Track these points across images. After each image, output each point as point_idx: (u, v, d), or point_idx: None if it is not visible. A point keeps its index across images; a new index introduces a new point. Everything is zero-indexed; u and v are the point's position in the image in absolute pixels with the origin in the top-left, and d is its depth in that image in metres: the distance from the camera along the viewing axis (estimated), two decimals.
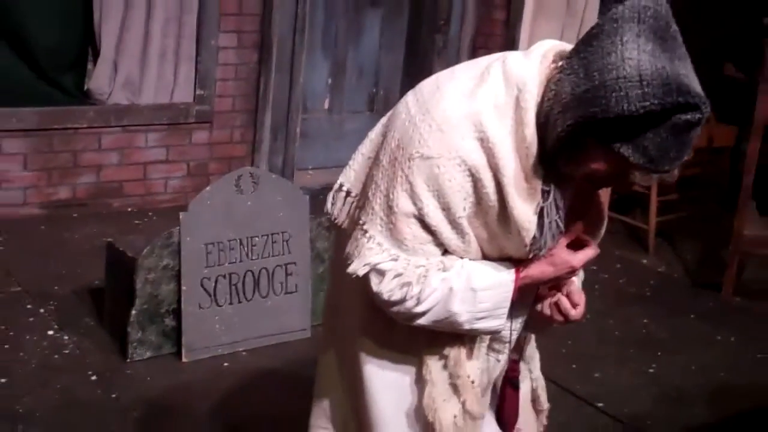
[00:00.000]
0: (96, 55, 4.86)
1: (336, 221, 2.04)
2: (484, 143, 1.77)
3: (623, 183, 1.77)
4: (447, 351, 1.97)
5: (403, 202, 1.82)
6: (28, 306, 3.78)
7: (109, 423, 3.06)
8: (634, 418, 3.46)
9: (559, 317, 1.95)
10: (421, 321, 1.88)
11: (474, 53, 5.83)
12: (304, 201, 3.69)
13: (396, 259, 1.85)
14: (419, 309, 1.86)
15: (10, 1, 4.58)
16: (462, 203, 1.81)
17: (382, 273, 1.85)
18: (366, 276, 1.86)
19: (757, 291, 5.06)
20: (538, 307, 1.98)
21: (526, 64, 1.80)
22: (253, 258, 3.55)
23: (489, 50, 5.90)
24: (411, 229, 1.84)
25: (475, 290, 1.86)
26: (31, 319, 3.68)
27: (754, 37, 6.82)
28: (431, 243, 1.85)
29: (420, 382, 1.99)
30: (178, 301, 3.40)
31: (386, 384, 2.02)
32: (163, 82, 4.99)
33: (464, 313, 1.87)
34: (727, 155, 6.63)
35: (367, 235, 1.86)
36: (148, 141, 5.01)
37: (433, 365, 1.97)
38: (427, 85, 1.91)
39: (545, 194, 1.80)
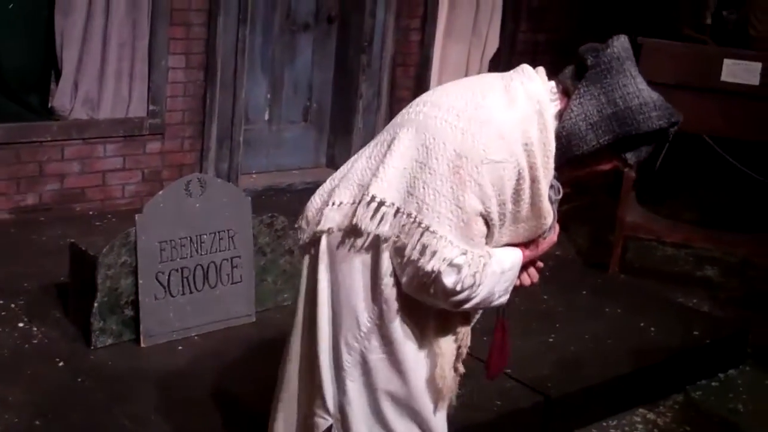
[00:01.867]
0: (58, 75, 4.71)
1: (379, 234, 1.94)
2: (528, 147, 1.90)
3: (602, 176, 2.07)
4: (459, 329, 2.07)
5: (474, 203, 1.87)
6: (0, 301, 3.65)
7: (76, 404, 2.97)
8: (537, 381, 3.49)
9: (528, 282, 2.09)
10: (470, 304, 1.95)
11: (394, 70, 5.82)
12: (247, 202, 3.63)
13: (465, 253, 1.88)
14: (478, 293, 1.92)
15: None
16: (511, 198, 1.92)
17: (457, 266, 1.87)
18: (434, 272, 1.87)
19: (638, 269, 5.16)
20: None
21: (538, 83, 1.97)
22: (202, 253, 3.48)
23: (407, 67, 5.91)
24: (478, 226, 1.90)
25: (504, 272, 1.96)
26: (3, 313, 3.56)
27: None
28: (486, 236, 1.93)
29: (431, 356, 2.03)
30: (136, 294, 3.32)
31: (415, 362, 2.03)
32: (120, 99, 4.87)
33: (497, 293, 1.97)
34: None
35: (437, 235, 1.87)
36: (107, 151, 4.88)
37: (444, 341, 2.04)
38: (458, 101, 1.95)
39: (553, 188, 2.00)
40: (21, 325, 3.47)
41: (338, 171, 2.11)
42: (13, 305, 3.63)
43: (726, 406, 3.84)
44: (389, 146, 1.98)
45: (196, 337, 3.47)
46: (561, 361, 3.68)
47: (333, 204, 2.02)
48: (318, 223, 2.05)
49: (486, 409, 3.23)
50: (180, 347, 3.40)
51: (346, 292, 2.01)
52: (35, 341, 3.36)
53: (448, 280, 1.88)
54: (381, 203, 1.92)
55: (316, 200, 2.11)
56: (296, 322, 2.17)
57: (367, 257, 1.97)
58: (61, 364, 3.20)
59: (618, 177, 4.98)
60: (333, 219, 2.00)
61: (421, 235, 1.88)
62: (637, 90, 1.88)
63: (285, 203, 5.25)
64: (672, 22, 6.48)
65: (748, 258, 5.38)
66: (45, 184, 4.72)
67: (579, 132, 1.91)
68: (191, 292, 3.47)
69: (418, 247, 1.88)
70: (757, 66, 4.60)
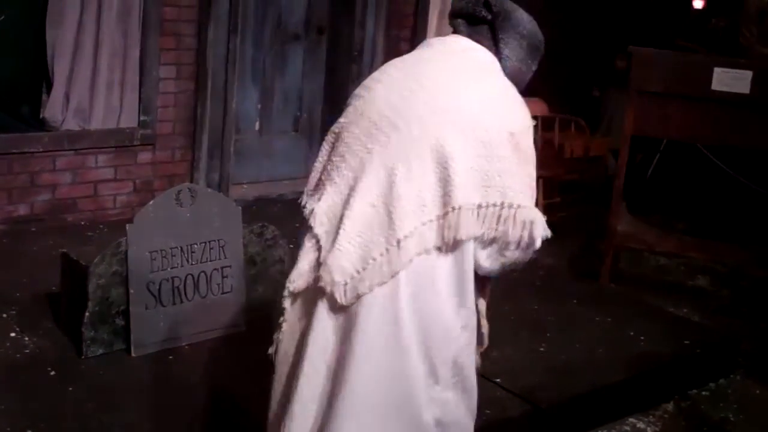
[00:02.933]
0: (49, 87, 4.75)
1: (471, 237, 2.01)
2: None
3: None
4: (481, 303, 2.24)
5: (534, 167, 2.12)
6: None
7: (67, 414, 3.01)
8: (526, 390, 3.51)
9: None
10: (528, 256, 2.10)
11: None
12: (237, 211, 3.67)
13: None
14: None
15: None
16: None
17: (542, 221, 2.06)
18: (536, 237, 2.05)
19: (628, 279, 5.20)
20: None
21: (481, 49, 2.17)
22: (193, 263, 3.52)
23: None
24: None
25: None
26: None
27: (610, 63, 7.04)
28: None
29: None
30: (127, 303, 3.35)
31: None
32: (111, 110, 4.91)
33: None
34: (602, 163, 6.81)
35: (527, 207, 2.03)
36: (98, 162, 4.92)
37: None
38: (467, 91, 2.09)
39: None
40: (13, 334, 3.50)
41: (348, 225, 2.00)
42: (4, 315, 3.66)
43: (717, 415, 3.88)
44: (436, 158, 1.98)
45: (186, 347, 3.51)
46: (551, 370, 3.71)
47: (406, 237, 1.96)
48: (404, 257, 1.96)
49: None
50: (170, 357, 3.44)
51: (435, 308, 2.01)
52: (27, 351, 3.39)
53: (541, 237, 2.05)
54: (476, 206, 1.99)
55: (354, 254, 1.99)
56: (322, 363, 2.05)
57: (451, 265, 2.01)
58: (52, 373, 3.24)
59: (608, 186, 5.04)
60: (425, 239, 1.97)
61: (516, 214, 2.01)
62: (526, 16, 2.21)
63: (275, 213, 5.29)
64: (663, 31, 6.56)
65: (740, 268, 5.42)
66: (37, 194, 4.75)
67: (520, 71, 2.21)
68: (182, 302, 3.50)
69: (519, 225, 2.01)
70: (748, 74, 4.64)
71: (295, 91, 5.95)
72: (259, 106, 5.79)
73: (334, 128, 2.18)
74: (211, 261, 3.57)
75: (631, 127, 4.87)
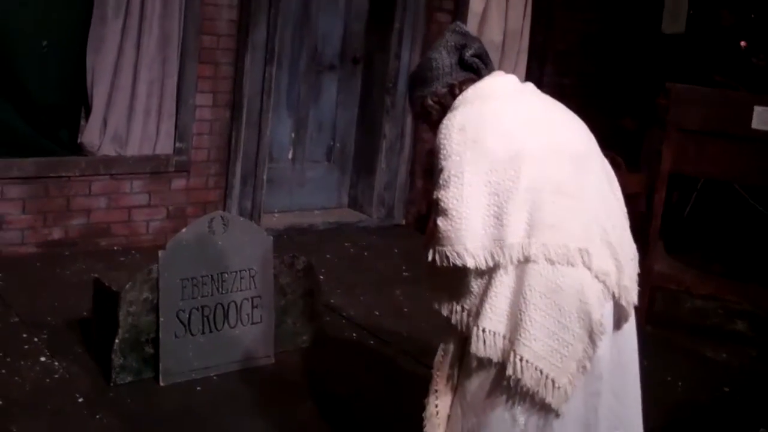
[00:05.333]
0: (88, 112, 4.85)
1: None
2: None
3: None
4: None
5: None
6: (24, 335, 3.74)
7: None
8: None
9: None
10: None
11: None
12: (269, 241, 3.70)
13: None
14: None
15: (15, 65, 4.59)
16: None
17: None
18: None
19: (666, 320, 5.11)
20: None
21: None
22: (223, 292, 3.55)
23: None
24: None
25: None
26: (26, 346, 3.64)
27: (650, 94, 6.99)
28: None
29: None
30: (157, 331, 3.38)
31: None
32: (147, 136, 5.00)
33: None
34: (638, 200, 6.74)
35: None
36: (133, 188, 5.00)
37: None
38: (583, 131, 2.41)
39: None
40: (43, 359, 3.55)
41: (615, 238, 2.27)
42: (36, 339, 3.71)
43: None
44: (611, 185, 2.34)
45: (214, 377, 3.53)
46: None
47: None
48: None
49: None
50: (198, 387, 3.45)
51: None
52: (56, 376, 3.43)
53: None
54: None
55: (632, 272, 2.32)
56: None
57: None
58: (80, 399, 3.27)
59: (645, 224, 5.00)
60: None
61: None
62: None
63: (306, 243, 5.33)
64: (702, 68, 6.53)
65: None
66: (71, 218, 4.83)
67: None
68: (211, 331, 3.53)
69: None
70: None
71: (329, 120, 6.00)
72: (293, 134, 5.85)
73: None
74: (241, 290, 3.59)
75: (668, 165, 4.83)
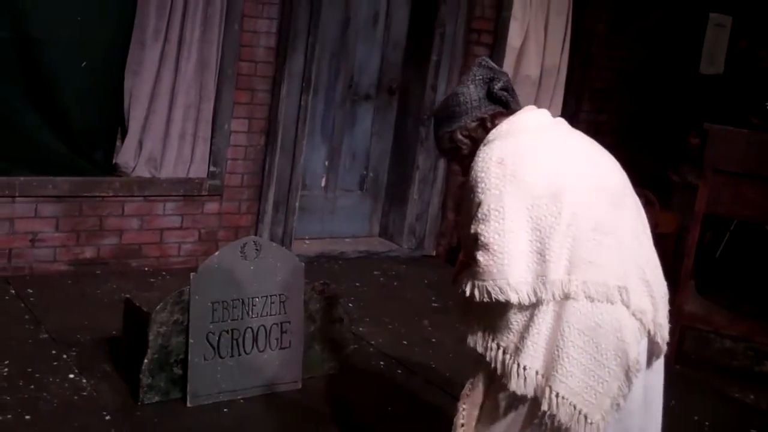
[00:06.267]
0: (124, 134, 4.92)
1: None
2: None
3: None
4: None
5: None
6: (53, 352, 3.78)
7: None
8: None
9: None
10: None
11: None
12: (300, 267, 3.73)
13: None
14: None
15: (53, 85, 4.66)
16: None
17: None
18: None
19: (695, 361, 5.07)
20: None
21: None
22: (253, 316, 3.57)
23: None
24: None
25: None
26: (55, 363, 3.68)
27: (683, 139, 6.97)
28: None
29: None
30: (186, 353, 3.41)
31: None
32: (182, 159, 5.06)
33: None
34: (670, 240, 6.71)
35: None
36: (166, 210, 5.06)
37: None
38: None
39: None
40: (72, 376, 3.59)
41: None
42: (65, 356, 3.75)
43: None
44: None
45: (241, 401, 3.54)
46: None
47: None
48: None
49: None
50: (225, 409, 3.47)
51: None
52: (84, 393, 3.46)
53: None
54: None
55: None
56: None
57: None
58: (108, 417, 3.29)
59: (677, 264, 4.97)
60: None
61: None
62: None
63: (336, 271, 5.35)
64: (739, 109, 6.51)
65: None
66: (104, 238, 4.89)
67: None
68: (239, 355, 3.55)
69: None
70: None
71: (363, 149, 6.05)
72: (326, 162, 5.89)
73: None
74: (271, 315, 3.62)
75: (703, 206, 4.81)
